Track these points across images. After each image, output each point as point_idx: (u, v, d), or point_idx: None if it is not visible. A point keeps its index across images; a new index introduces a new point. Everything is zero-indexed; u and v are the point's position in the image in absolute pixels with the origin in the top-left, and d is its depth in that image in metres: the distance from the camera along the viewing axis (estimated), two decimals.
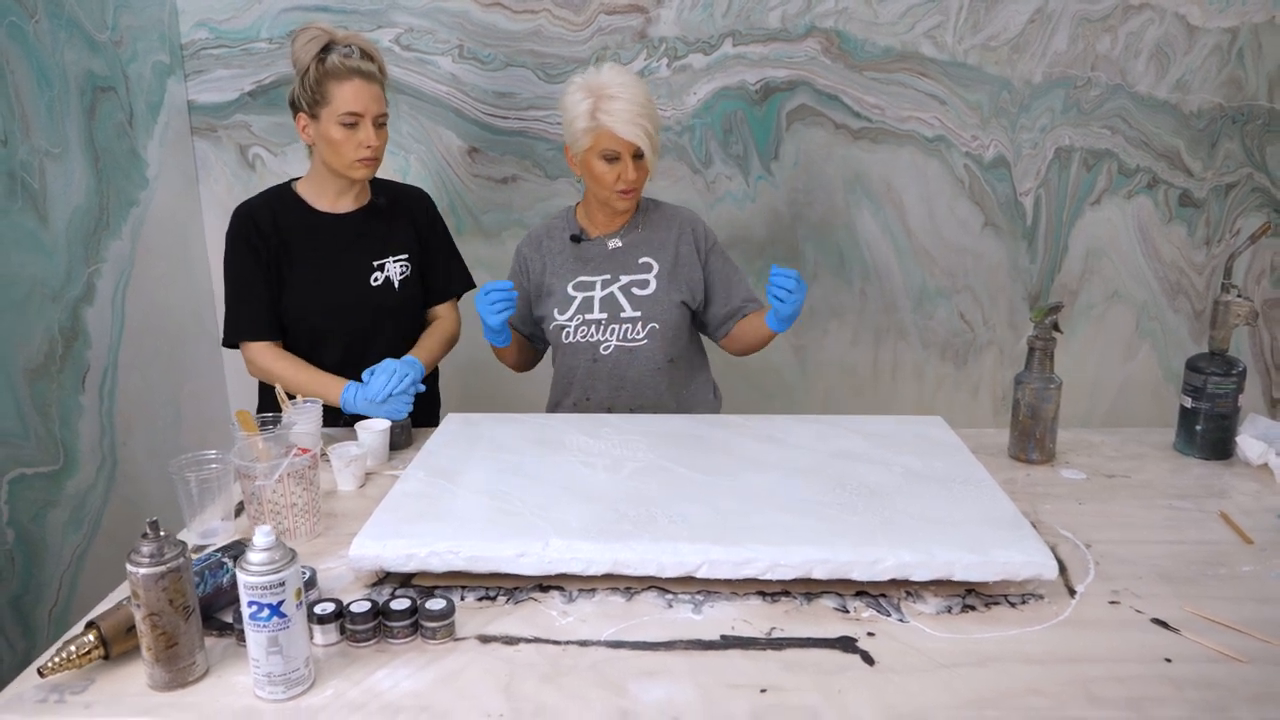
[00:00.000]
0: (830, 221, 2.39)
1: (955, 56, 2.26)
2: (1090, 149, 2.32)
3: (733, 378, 2.26)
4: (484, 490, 1.34)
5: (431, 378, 1.98)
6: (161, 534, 0.98)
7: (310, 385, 1.72)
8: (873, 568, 1.14)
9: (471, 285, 2.00)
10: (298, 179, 1.86)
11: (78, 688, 1.00)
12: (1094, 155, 2.33)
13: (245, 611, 0.96)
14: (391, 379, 1.65)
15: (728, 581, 1.17)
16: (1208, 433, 1.58)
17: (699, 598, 1.16)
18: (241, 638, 1.01)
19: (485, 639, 1.08)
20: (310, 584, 1.15)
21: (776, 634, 1.09)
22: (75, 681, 1.01)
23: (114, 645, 1.02)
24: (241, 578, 0.95)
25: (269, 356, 1.77)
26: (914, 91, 2.28)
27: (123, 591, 1.16)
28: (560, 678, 1.01)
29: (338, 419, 1.75)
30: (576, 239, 1.85)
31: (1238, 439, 1.58)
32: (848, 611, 1.13)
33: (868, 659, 1.04)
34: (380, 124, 1.74)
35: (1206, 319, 2.40)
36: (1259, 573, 1.22)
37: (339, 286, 1.81)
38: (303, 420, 1.53)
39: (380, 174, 1.84)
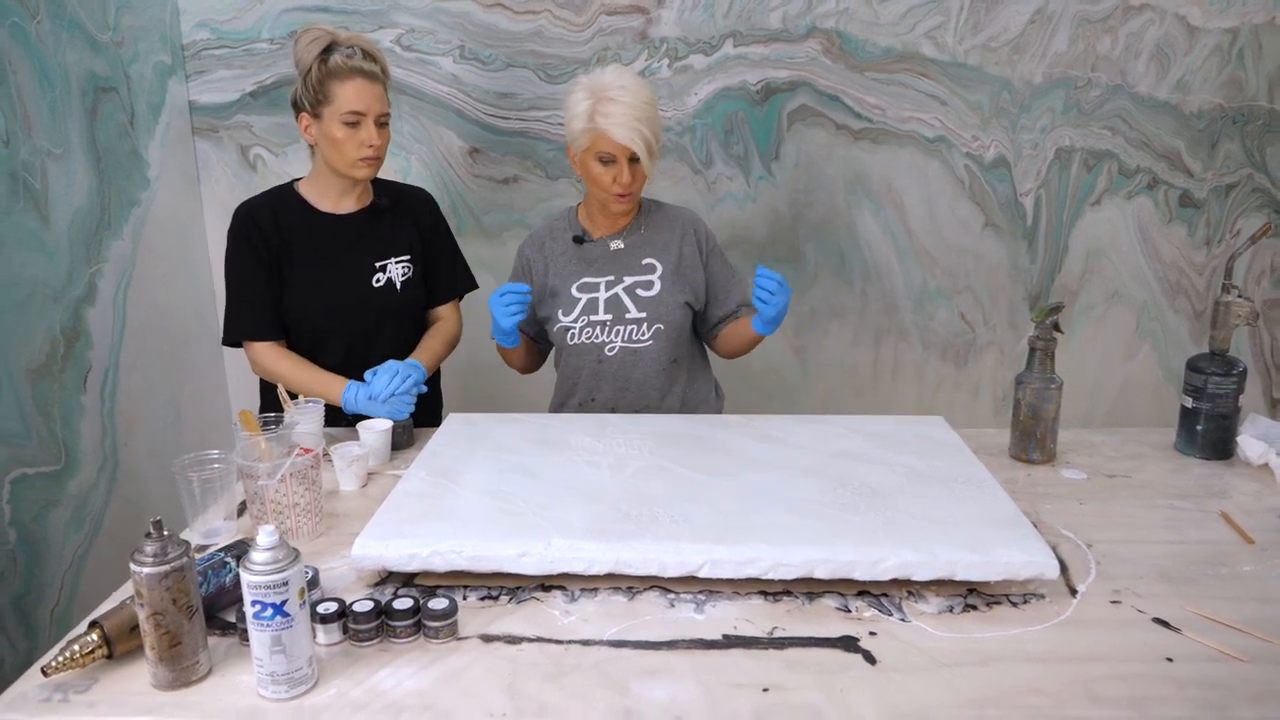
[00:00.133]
0: (831, 222, 2.39)
1: (956, 57, 2.26)
2: (1091, 149, 2.32)
3: (733, 378, 2.26)
4: (486, 490, 1.34)
5: (433, 378, 1.98)
6: (165, 534, 0.98)
7: (312, 385, 1.72)
8: (874, 567, 1.14)
9: (474, 286, 2.01)
10: (300, 179, 1.86)
11: (81, 687, 1.00)
12: (1094, 156, 2.33)
13: (249, 611, 0.96)
14: (394, 379, 1.65)
15: (730, 581, 1.18)
16: (1208, 433, 1.58)
17: (701, 597, 1.16)
18: (244, 637, 1.02)
19: (488, 638, 1.08)
20: (313, 583, 1.15)
21: (779, 633, 1.09)
22: (79, 681, 1.01)
23: (117, 644, 1.02)
24: (245, 577, 0.95)
25: (271, 356, 1.77)
26: (915, 92, 2.28)
27: (124, 591, 1.16)
28: (563, 677, 1.01)
29: (339, 419, 1.75)
30: (579, 240, 1.85)
31: (1238, 439, 1.58)
32: (850, 611, 1.13)
33: (870, 658, 1.04)
34: (382, 124, 1.74)
35: (1207, 319, 2.40)
36: (1260, 572, 1.22)
37: (340, 287, 1.81)
38: (305, 420, 1.54)
39: (381, 174, 1.85)
